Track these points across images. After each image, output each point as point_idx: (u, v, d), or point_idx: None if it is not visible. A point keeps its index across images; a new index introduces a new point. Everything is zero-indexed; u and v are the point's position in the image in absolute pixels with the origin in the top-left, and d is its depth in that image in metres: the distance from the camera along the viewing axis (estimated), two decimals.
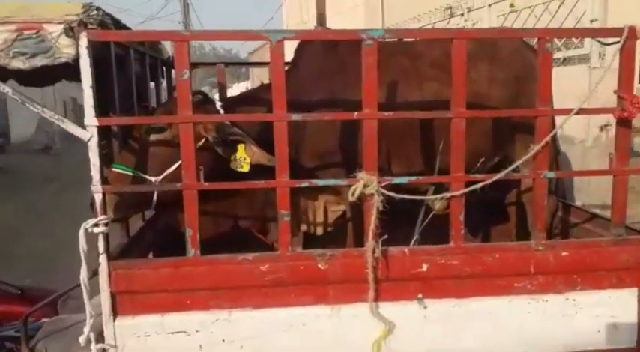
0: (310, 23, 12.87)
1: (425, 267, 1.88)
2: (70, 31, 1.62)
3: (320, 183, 1.92)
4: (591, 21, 4.36)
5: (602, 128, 4.30)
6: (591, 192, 3.69)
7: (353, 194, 1.79)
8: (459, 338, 1.92)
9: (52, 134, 16.15)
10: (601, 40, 2.33)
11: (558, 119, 2.12)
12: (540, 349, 1.95)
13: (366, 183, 1.77)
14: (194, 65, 3.62)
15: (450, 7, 6.40)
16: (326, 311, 1.87)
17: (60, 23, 1.63)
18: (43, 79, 2.31)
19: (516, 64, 2.40)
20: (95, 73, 1.69)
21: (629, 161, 1.94)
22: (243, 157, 2.00)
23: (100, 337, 1.81)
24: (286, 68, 1.83)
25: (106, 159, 1.95)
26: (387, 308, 1.86)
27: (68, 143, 13.76)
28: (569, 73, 4.41)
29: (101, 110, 1.76)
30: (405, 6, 8.17)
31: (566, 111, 1.89)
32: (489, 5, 5.67)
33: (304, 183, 1.85)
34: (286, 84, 1.73)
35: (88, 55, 1.64)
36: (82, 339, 1.77)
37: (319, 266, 1.85)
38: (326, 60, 2.25)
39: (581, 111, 1.87)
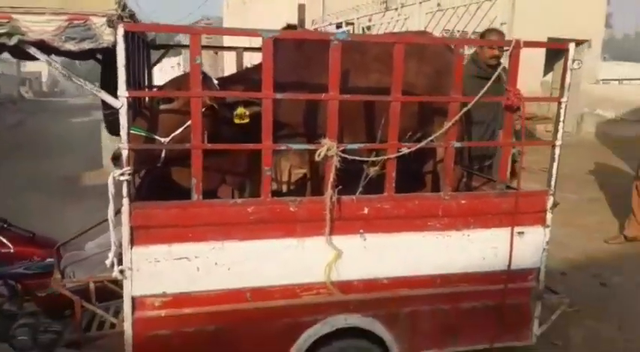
0: (249, 3, 13.16)
1: (366, 210, 2.57)
2: (111, 23, 2.12)
3: (294, 146, 2.55)
4: (501, 23, 5.23)
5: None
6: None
7: (319, 155, 2.43)
8: (388, 262, 2.63)
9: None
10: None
11: None
12: (445, 270, 2.72)
13: (329, 147, 2.42)
14: (170, 46, 4.08)
15: (386, 1, 7.10)
16: (294, 242, 2.51)
17: (103, 16, 2.12)
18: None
19: (437, 61, 3.14)
20: (111, 55, 2.19)
21: (511, 137, 2.73)
22: (243, 112, 2.56)
23: (119, 262, 2.35)
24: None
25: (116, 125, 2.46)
26: (338, 240, 2.53)
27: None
28: None
29: (114, 84, 2.27)
30: None
31: (471, 99, 2.63)
32: (420, 3, 6.43)
33: (283, 146, 2.48)
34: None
35: (124, 41, 2.14)
36: (107, 262, 2.31)
37: (290, 209, 2.48)
38: (296, 54, 2.86)
39: (480, 99, 2.62)
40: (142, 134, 2.49)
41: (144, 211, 2.33)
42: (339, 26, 8.43)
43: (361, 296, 2.64)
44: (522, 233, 2.79)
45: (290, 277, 2.53)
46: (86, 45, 2.11)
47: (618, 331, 3.41)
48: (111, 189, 2.25)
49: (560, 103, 2.72)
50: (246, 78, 2.85)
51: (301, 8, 2.54)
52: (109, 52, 2.29)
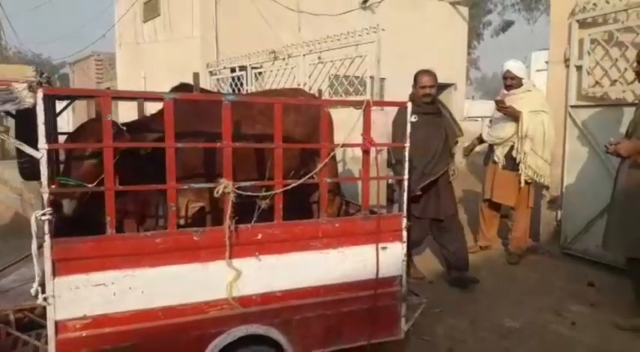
0: (144, 43, 13.38)
1: (260, 236, 3.12)
2: (31, 88, 2.51)
3: (196, 186, 3.05)
4: (370, 76, 6.17)
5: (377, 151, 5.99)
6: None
7: (217, 192, 2.96)
8: (280, 278, 3.19)
9: None
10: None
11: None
12: (326, 281, 3.32)
13: (226, 185, 2.96)
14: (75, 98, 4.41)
15: (274, 51, 7.86)
16: (198, 266, 2.98)
17: (24, 82, 2.51)
18: None
19: (310, 112, 3.84)
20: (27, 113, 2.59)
21: (369, 173, 3.47)
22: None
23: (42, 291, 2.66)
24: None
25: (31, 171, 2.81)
26: (237, 262, 3.04)
27: None
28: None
29: (30, 135, 2.65)
30: (237, 43, 9.50)
31: (337, 146, 3.33)
32: (304, 55, 7.25)
33: (185, 186, 2.97)
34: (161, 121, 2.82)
35: (42, 102, 2.55)
36: (32, 291, 2.62)
37: (194, 237, 2.96)
38: (193, 108, 3.39)
39: (344, 145, 3.33)
40: (71, 182, 2.87)
41: (64, 245, 2.69)
42: (233, 70, 9.04)
43: (258, 308, 3.15)
44: (385, 248, 3.49)
45: (197, 296, 2.99)
46: (9, 107, 2.49)
47: (471, 325, 4.22)
48: (33, 227, 2.59)
49: (405, 147, 3.51)
50: (149, 124, 3.35)
51: (195, 76, 3.01)
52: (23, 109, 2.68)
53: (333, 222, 3.36)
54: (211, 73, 9.49)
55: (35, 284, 2.64)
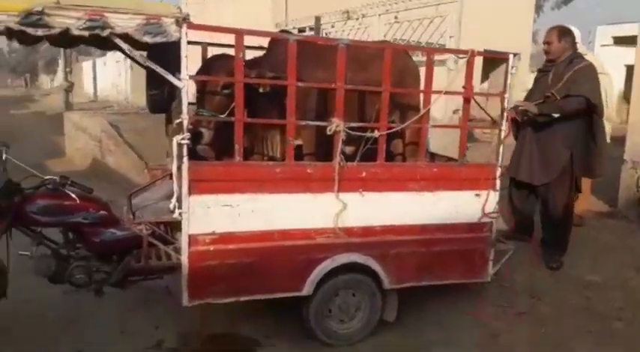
0: (210, 2, 13.58)
1: (364, 173, 3.36)
2: (178, 22, 2.79)
3: (311, 123, 3.30)
4: (450, 37, 6.21)
5: (454, 111, 6.09)
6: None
7: (330, 130, 3.20)
8: (380, 214, 3.43)
9: None
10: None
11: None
12: (421, 221, 3.55)
13: (337, 125, 3.20)
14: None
15: (348, 11, 7.94)
16: (310, 196, 3.26)
17: (171, 17, 2.79)
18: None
19: (400, 63, 3.99)
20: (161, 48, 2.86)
21: (467, 120, 3.63)
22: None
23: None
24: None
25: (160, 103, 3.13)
26: (343, 195, 3.31)
27: None
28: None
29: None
30: (308, 3, 9.62)
31: (439, 92, 3.50)
32: (379, 15, 7.31)
33: (303, 122, 3.24)
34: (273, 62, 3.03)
35: (186, 36, 2.82)
36: (171, 206, 2.97)
37: (308, 170, 3.24)
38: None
39: (446, 92, 3.50)
40: (205, 114, 3.17)
41: (199, 167, 3.01)
42: (301, 31, 9.17)
43: (360, 240, 3.42)
44: (478, 195, 3.67)
45: (307, 222, 3.28)
46: (159, 38, 2.78)
47: (550, 276, 4.39)
48: (174, 151, 2.92)
49: (503, 98, 3.64)
50: (261, 64, 3.59)
51: (317, 19, 3.17)
52: (152, 47, 2.97)
53: (430, 166, 3.57)
54: (277, 26, 9.67)
55: (174, 200, 2.98)
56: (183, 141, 2.91)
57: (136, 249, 3.37)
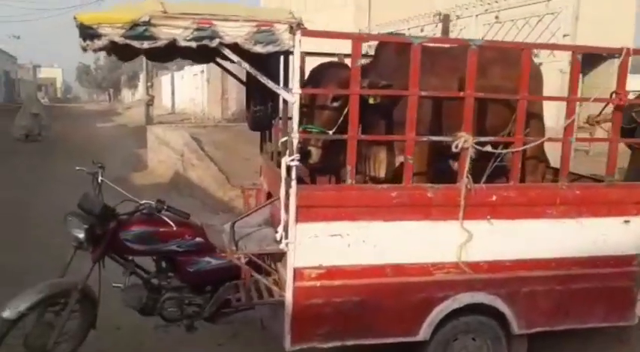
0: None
1: (494, 197, 2.86)
2: (292, 29, 2.45)
3: (434, 138, 2.85)
4: (564, 35, 5.53)
5: (590, 122, 5.17)
6: None
7: (456, 147, 2.74)
8: (510, 246, 2.91)
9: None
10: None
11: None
12: (559, 253, 2.97)
13: (466, 139, 2.73)
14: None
15: (440, 13, 7.42)
16: (429, 224, 2.80)
17: (285, 23, 2.45)
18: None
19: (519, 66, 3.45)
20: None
21: (618, 134, 3.03)
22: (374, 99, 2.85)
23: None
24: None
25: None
26: (468, 224, 2.82)
27: None
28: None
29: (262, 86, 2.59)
30: (392, 7, 9.19)
31: (586, 99, 2.93)
32: (476, 15, 6.75)
33: (424, 138, 2.79)
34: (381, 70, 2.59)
35: (300, 45, 2.48)
36: (278, 236, 2.62)
37: (428, 194, 2.78)
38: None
39: (595, 99, 2.93)
40: (314, 130, 2.82)
41: (308, 192, 2.64)
42: None
43: (486, 276, 2.91)
44: (628, 221, 3.05)
45: (425, 256, 2.82)
46: (271, 48, 2.44)
47: None
48: (283, 173, 2.57)
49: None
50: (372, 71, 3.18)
51: (445, 18, 2.86)
52: (255, 58, 2.65)
53: (573, 187, 2.99)
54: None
55: (280, 229, 2.63)
56: (292, 163, 2.56)
57: (230, 280, 3.08)
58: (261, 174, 4.08)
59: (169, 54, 3.07)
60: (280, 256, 2.81)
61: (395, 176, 3.34)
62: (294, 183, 2.59)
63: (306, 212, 2.64)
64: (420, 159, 3.22)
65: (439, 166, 3.41)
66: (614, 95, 2.97)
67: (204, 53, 2.69)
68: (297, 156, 2.57)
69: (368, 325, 2.82)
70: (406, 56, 3.17)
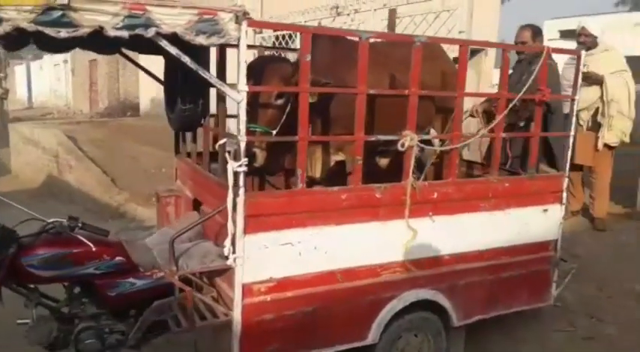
0: None
1: (435, 194, 2.88)
2: (237, 18, 2.19)
3: (382, 137, 2.77)
4: (459, 32, 5.83)
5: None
6: None
7: (402, 145, 2.69)
8: (449, 241, 2.96)
9: None
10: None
11: None
12: (491, 244, 3.10)
13: (411, 138, 2.69)
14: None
15: (337, 7, 7.42)
16: (378, 225, 2.74)
17: (230, 12, 2.18)
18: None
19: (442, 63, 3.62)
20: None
21: (540, 128, 3.22)
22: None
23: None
24: None
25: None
26: (414, 222, 2.81)
27: None
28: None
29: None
30: (287, 2, 9.01)
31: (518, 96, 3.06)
32: (374, 10, 6.85)
33: (372, 138, 2.70)
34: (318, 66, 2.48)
35: (246, 36, 2.23)
36: (225, 250, 2.36)
37: (376, 195, 2.71)
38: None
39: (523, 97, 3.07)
40: (258, 130, 2.57)
41: (257, 200, 2.42)
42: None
43: (428, 272, 2.93)
44: (546, 210, 3.28)
45: (374, 257, 2.76)
46: (215, 39, 2.17)
47: (599, 290, 4.09)
48: (230, 181, 2.31)
49: (572, 100, 3.27)
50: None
51: (391, 12, 2.76)
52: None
53: (502, 181, 3.13)
54: (256, 31, 9.01)
55: (227, 243, 2.38)
56: (240, 169, 2.31)
57: (156, 300, 2.74)
58: (176, 178, 3.71)
59: (75, 43, 2.60)
60: (221, 271, 2.55)
61: (330, 175, 3.25)
62: (242, 190, 2.35)
63: (255, 222, 2.42)
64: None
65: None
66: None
67: (105, 41, 2.27)
68: (244, 160, 2.33)
69: (320, 334, 2.68)
70: (339, 51, 3.08)
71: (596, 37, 5.36)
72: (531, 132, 3.23)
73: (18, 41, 2.38)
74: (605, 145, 5.21)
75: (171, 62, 3.02)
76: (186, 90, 2.69)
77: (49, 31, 1.93)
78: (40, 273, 2.51)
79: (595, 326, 3.66)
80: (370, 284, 2.77)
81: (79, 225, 2.56)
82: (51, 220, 2.55)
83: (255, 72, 2.66)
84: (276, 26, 2.44)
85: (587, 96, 5.32)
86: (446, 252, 2.98)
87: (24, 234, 2.53)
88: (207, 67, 2.69)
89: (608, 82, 5.20)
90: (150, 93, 15.41)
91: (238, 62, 2.25)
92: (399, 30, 6.58)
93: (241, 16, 2.19)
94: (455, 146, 2.91)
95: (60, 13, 1.92)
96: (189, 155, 3.47)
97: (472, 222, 3.03)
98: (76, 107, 22.71)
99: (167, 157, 10.04)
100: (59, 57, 23.03)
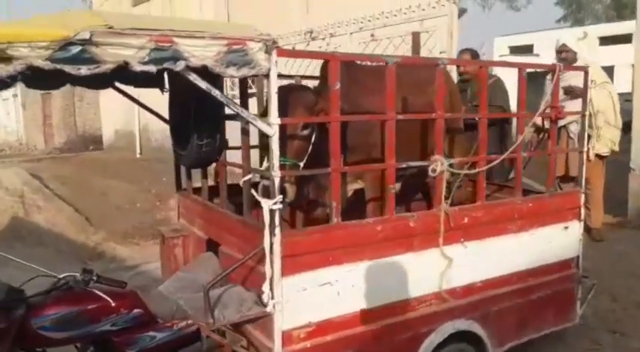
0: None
1: (466, 220, 2.78)
2: (267, 48, 2.04)
3: (413, 164, 2.66)
4: (440, 52, 5.87)
5: None
6: None
7: (433, 171, 2.59)
8: (481, 266, 2.85)
9: None
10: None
11: None
12: (519, 267, 3.01)
13: (442, 162, 2.59)
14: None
15: (311, 31, 7.39)
16: (412, 256, 2.60)
17: (259, 41, 2.03)
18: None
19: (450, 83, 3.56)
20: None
21: (555, 145, 3.19)
22: None
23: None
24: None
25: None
26: (447, 249, 2.69)
27: None
28: None
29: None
30: (256, 23, 8.90)
31: (532, 115, 3.03)
32: (351, 33, 6.84)
33: (403, 164, 2.58)
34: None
35: (276, 66, 2.08)
36: (264, 296, 2.16)
37: (410, 224, 2.58)
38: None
39: (541, 115, 3.03)
40: (288, 163, 2.40)
41: (293, 239, 2.24)
42: None
43: (462, 301, 2.81)
44: (567, 227, 3.24)
45: (410, 290, 2.61)
46: (246, 71, 2.01)
47: (614, 302, 4.07)
48: (267, 220, 2.13)
49: (583, 116, 3.27)
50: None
51: (415, 35, 2.70)
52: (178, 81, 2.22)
53: (526, 201, 3.06)
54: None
55: (266, 288, 2.18)
56: (275, 207, 2.13)
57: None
58: (179, 217, 3.48)
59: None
60: (255, 319, 2.34)
61: (349, 206, 3.10)
62: (278, 230, 2.17)
63: (292, 262, 2.24)
64: (375, 185, 3.03)
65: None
66: (549, 110, 3.11)
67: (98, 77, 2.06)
68: (279, 197, 2.16)
69: None
70: (351, 77, 2.96)
71: (575, 53, 5.48)
72: (548, 150, 3.19)
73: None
74: (597, 155, 5.30)
75: (177, 96, 2.84)
76: (203, 124, 2.51)
77: (69, 69, 1.73)
78: (53, 335, 2.24)
79: (619, 342, 3.61)
80: (408, 319, 2.62)
81: (94, 278, 2.31)
82: (63, 275, 2.29)
83: (279, 103, 2.51)
84: (305, 55, 2.32)
85: (574, 109, 5.42)
86: (478, 278, 2.87)
87: (32, 292, 2.25)
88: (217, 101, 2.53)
89: (593, 94, 5.31)
90: (113, 125, 14.93)
91: (269, 94, 2.10)
92: (377, 52, 6.59)
93: (271, 46, 2.05)
94: (482, 168, 2.82)
95: (79, 48, 1.72)
96: (195, 191, 3.25)
97: (500, 245, 2.94)
98: (29, 142, 21.78)
99: (138, 191, 9.70)
100: (8, 91, 22.12)
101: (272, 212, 2.14)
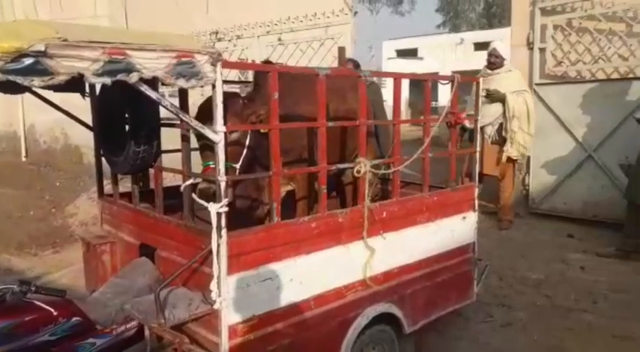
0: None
1: (384, 214, 3.11)
2: (213, 60, 2.18)
3: (342, 166, 2.91)
4: (348, 60, 6.24)
5: None
6: None
7: (358, 172, 2.88)
8: (397, 255, 3.20)
9: None
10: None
11: None
12: (427, 253, 3.42)
13: (365, 164, 2.89)
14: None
15: (217, 32, 7.43)
16: (341, 249, 2.87)
17: (205, 54, 2.16)
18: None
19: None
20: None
21: (456, 147, 3.66)
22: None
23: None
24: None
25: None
26: (370, 241, 3.00)
27: None
28: None
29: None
30: (153, 25, 8.69)
31: (439, 119, 3.44)
32: (258, 36, 7.00)
33: (333, 167, 2.83)
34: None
35: (221, 78, 2.22)
36: (213, 295, 2.29)
37: (339, 219, 2.85)
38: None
39: (446, 120, 3.46)
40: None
41: (238, 239, 2.39)
42: None
43: (382, 286, 3.14)
44: (465, 217, 3.72)
45: (340, 280, 2.88)
46: (194, 82, 2.13)
47: (501, 281, 4.71)
48: (214, 222, 2.26)
49: (476, 120, 3.78)
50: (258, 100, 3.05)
51: (341, 50, 2.81)
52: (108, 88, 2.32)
53: (432, 195, 3.48)
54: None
55: (213, 286, 2.31)
56: (222, 210, 2.28)
57: None
58: (102, 223, 3.43)
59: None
60: (201, 317, 2.46)
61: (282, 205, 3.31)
62: (224, 231, 2.31)
63: (237, 261, 2.39)
64: (302, 186, 3.28)
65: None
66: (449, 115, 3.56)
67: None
68: (226, 201, 2.30)
69: None
70: (285, 84, 3.16)
71: (504, 59, 6.09)
72: (449, 151, 3.65)
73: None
74: (509, 158, 5.98)
75: (106, 102, 2.84)
76: (140, 130, 2.55)
77: (21, 80, 1.74)
78: None
79: (508, 313, 4.21)
80: (339, 306, 2.89)
81: (32, 288, 2.27)
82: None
83: (206, 110, 2.64)
84: (247, 66, 2.44)
85: (490, 112, 6.05)
86: (395, 265, 3.22)
87: None
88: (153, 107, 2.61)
89: (510, 100, 5.96)
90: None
91: (215, 103, 2.23)
92: (285, 56, 6.83)
93: (216, 58, 2.19)
94: (397, 168, 3.17)
95: (32, 60, 1.74)
96: (122, 196, 3.25)
97: (412, 235, 3.32)
98: None
99: (29, 198, 9.00)
100: None
101: (219, 215, 2.27)
